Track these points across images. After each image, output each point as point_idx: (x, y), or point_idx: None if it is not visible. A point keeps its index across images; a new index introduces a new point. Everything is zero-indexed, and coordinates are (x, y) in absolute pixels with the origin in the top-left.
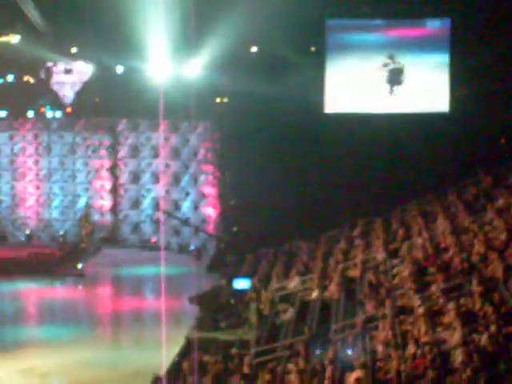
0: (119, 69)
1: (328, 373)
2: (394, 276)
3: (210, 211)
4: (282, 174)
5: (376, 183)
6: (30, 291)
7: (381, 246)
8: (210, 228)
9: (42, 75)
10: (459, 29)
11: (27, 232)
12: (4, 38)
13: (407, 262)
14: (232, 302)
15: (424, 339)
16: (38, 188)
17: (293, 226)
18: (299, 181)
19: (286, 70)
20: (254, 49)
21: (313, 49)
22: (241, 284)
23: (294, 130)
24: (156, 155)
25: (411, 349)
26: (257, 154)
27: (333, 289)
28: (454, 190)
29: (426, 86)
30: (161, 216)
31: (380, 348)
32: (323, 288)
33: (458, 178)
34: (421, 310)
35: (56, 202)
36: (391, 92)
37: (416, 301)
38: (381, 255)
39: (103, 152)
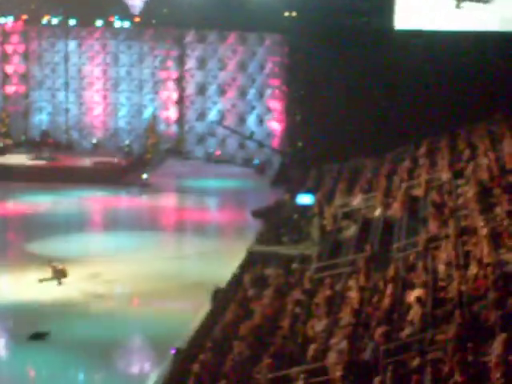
0: None
1: (389, 290)
2: (458, 196)
3: (276, 125)
4: (349, 90)
5: (443, 101)
6: (96, 200)
7: (446, 165)
8: (275, 142)
9: None
10: None
11: (93, 141)
12: None
13: (472, 183)
14: (295, 216)
15: (487, 260)
16: (104, 97)
17: (358, 143)
18: (366, 98)
19: None
20: None
21: None
22: (304, 199)
23: (362, 47)
24: (223, 67)
25: (473, 269)
26: (325, 70)
27: (396, 207)
28: None
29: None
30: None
31: (442, 268)
32: (386, 206)
33: None
34: (484, 231)
35: (122, 112)
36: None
37: (480, 221)
38: (445, 175)
39: (170, 63)
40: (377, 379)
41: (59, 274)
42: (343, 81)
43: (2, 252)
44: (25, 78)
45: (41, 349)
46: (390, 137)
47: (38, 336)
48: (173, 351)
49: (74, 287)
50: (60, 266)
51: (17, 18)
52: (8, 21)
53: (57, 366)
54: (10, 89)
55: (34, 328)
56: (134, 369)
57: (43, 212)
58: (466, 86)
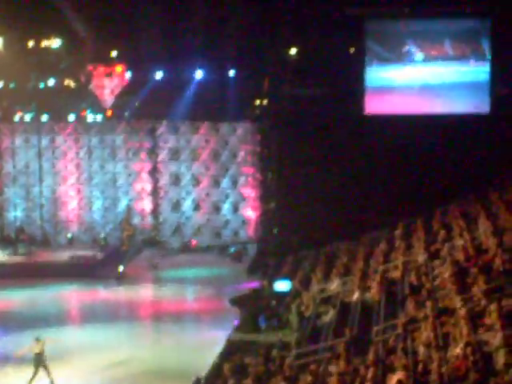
0: (158, 74)
1: (370, 374)
2: (435, 277)
3: (250, 213)
4: (322, 176)
5: (416, 185)
6: (72, 294)
7: (422, 247)
8: (250, 230)
9: (83, 79)
10: (500, 27)
11: (69, 235)
12: (45, 43)
13: (448, 264)
14: (273, 303)
15: (466, 340)
16: (79, 191)
17: (333, 228)
18: (339, 183)
19: (326, 73)
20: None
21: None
22: (281, 286)
23: (335, 132)
24: (196, 158)
25: (453, 350)
26: (298, 156)
27: (374, 290)
28: (495, 191)
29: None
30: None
31: (422, 349)
32: (364, 290)
33: (500, 179)
34: (462, 312)
35: (97, 205)
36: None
37: (457, 302)
38: (422, 257)
39: (143, 155)
40: None
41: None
42: (315, 166)
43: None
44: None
45: None
46: (364, 221)
47: None
48: None
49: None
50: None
51: None
52: None
53: None
54: None
55: None
56: None
57: (19, 308)
58: (439, 168)
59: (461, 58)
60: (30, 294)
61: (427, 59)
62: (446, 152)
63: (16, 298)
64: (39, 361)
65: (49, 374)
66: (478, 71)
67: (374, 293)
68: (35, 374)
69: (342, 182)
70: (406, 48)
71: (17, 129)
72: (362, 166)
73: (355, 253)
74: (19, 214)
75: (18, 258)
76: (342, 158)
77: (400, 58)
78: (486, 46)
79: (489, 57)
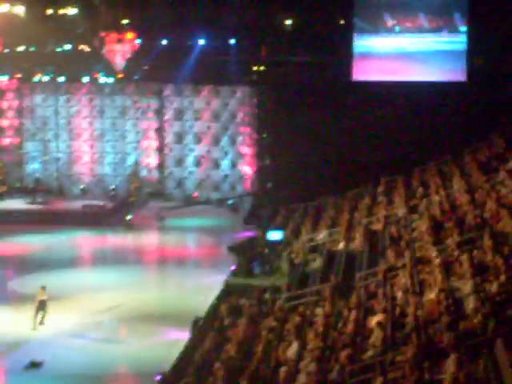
0: (165, 41)
1: (352, 316)
2: (413, 230)
3: (247, 169)
4: (313, 135)
5: (397, 145)
6: (85, 239)
7: (402, 202)
8: (247, 184)
9: (96, 44)
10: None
11: (82, 186)
12: (63, 11)
13: (425, 217)
14: (266, 251)
15: (440, 287)
16: (91, 147)
17: (321, 183)
18: (328, 142)
19: (318, 41)
20: (289, 22)
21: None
22: (274, 235)
23: (325, 96)
24: (198, 118)
25: (428, 296)
26: (291, 117)
27: (357, 241)
28: (469, 152)
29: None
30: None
31: (399, 294)
32: (349, 240)
33: (473, 142)
34: (437, 261)
35: (108, 160)
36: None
37: (433, 252)
38: (401, 211)
39: (151, 114)
40: None
41: (41, 304)
42: (307, 127)
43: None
44: (19, 130)
45: (37, 376)
46: (350, 177)
47: (34, 365)
48: (158, 378)
49: (66, 319)
50: (44, 297)
51: (11, 77)
52: (3, 79)
53: None
54: (6, 141)
55: (29, 358)
56: None
57: (37, 251)
58: (419, 130)
59: (435, 30)
60: (46, 239)
61: (403, 31)
62: (425, 116)
63: (33, 243)
64: (42, 306)
65: (43, 317)
66: (453, 42)
67: (357, 243)
68: (36, 316)
69: (329, 141)
70: (384, 20)
71: (36, 89)
72: (348, 127)
73: (341, 206)
74: (37, 166)
75: (35, 207)
76: (330, 120)
77: (378, 29)
78: (458, 19)
79: (462, 29)
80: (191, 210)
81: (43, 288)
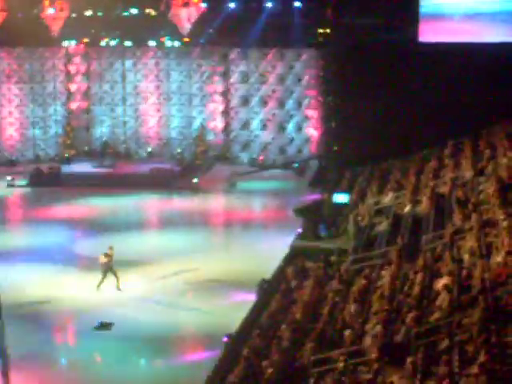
0: (231, 4)
1: (418, 279)
2: (480, 192)
3: (313, 132)
4: (379, 99)
5: (465, 108)
6: (152, 202)
7: (469, 164)
8: (313, 147)
9: (162, 8)
10: None
11: (149, 150)
12: None
13: (493, 180)
14: (332, 214)
15: (507, 250)
16: (158, 110)
17: (387, 146)
18: (394, 105)
19: (383, 3)
20: None
21: None
22: (340, 198)
23: (391, 58)
24: (264, 81)
25: (495, 258)
26: (357, 79)
27: (424, 204)
28: None
29: None
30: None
31: (467, 257)
32: (415, 203)
33: None
34: (504, 224)
35: (174, 123)
36: None
37: (500, 215)
38: (468, 173)
39: (216, 78)
40: (409, 360)
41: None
42: (372, 90)
43: (69, 252)
44: (87, 94)
45: (106, 337)
46: (416, 139)
47: (103, 326)
48: (225, 339)
49: (134, 282)
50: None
51: (79, 42)
52: (71, 44)
53: (120, 352)
54: (74, 105)
55: (99, 320)
56: (191, 354)
57: (105, 215)
58: (487, 92)
59: None
60: (114, 202)
61: None
62: (492, 77)
63: (101, 206)
64: (108, 267)
65: (117, 279)
66: None
67: (424, 206)
68: (103, 278)
69: (396, 104)
70: None
71: (103, 53)
72: (415, 89)
73: (407, 169)
74: (105, 130)
75: (103, 170)
76: (397, 82)
77: None
78: None
79: None
80: (258, 174)
81: (111, 248)
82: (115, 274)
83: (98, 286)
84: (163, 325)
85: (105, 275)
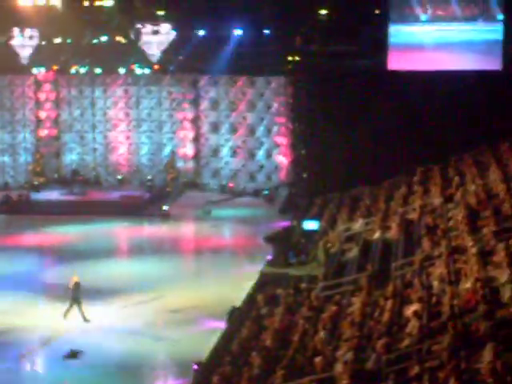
0: (201, 32)
1: (388, 305)
2: (449, 219)
3: (282, 159)
4: (347, 126)
5: (433, 135)
6: (121, 230)
7: (438, 191)
8: (282, 174)
9: (132, 36)
10: None
11: (119, 177)
12: (98, 3)
13: (462, 207)
14: (302, 241)
15: (476, 276)
16: (128, 137)
17: (357, 173)
18: (363, 133)
19: (352, 31)
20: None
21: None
22: (310, 225)
23: (358, 86)
24: (234, 108)
25: (464, 285)
26: (326, 107)
27: (393, 230)
28: (505, 142)
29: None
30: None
31: (436, 284)
32: (385, 229)
33: (510, 132)
34: (473, 250)
35: (144, 150)
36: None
37: (469, 241)
38: (438, 200)
39: (186, 105)
40: None
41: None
42: (341, 118)
43: (38, 280)
44: (56, 122)
45: (75, 366)
46: (386, 166)
47: (72, 355)
48: (195, 366)
49: (103, 310)
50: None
51: (48, 69)
52: (40, 71)
53: (90, 381)
54: (43, 132)
55: (68, 348)
56: (162, 383)
57: (74, 242)
58: (455, 120)
59: (469, 18)
60: (83, 229)
61: (435, 19)
62: (461, 105)
63: (71, 233)
64: (75, 295)
65: (80, 309)
66: (489, 31)
67: (393, 232)
68: (71, 306)
69: (365, 131)
70: (418, 8)
71: (73, 80)
72: (384, 116)
73: (377, 196)
74: (74, 157)
75: (73, 197)
76: (366, 110)
77: (412, 18)
78: (495, 7)
79: (499, 17)
80: (229, 201)
81: (74, 274)
82: (79, 305)
83: (65, 314)
84: (133, 353)
85: (72, 303)
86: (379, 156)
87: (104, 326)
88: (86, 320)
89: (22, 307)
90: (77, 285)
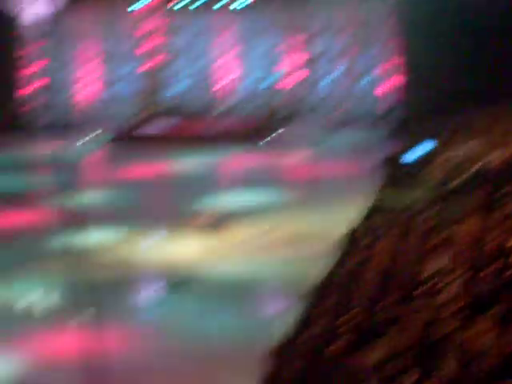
0: None
1: (497, 232)
2: None
3: (394, 81)
4: (463, 43)
5: None
6: (230, 158)
7: None
8: (394, 97)
9: None
10: None
11: (227, 106)
12: None
13: None
14: (414, 165)
15: None
16: (236, 66)
17: (474, 94)
18: (481, 51)
19: None
20: None
21: None
22: (422, 149)
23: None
24: (343, 31)
25: None
26: (435, 28)
27: (508, 154)
28: None
29: None
30: None
31: None
32: (499, 153)
33: None
34: None
35: (250, 79)
36: None
37: None
38: None
39: (294, 32)
40: (496, 308)
41: (214, 224)
42: (450, 38)
43: (160, 211)
44: (163, 52)
45: (187, 293)
46: (505, 86)
47: (180, 284)
48: (306, 291)
49: (219, 240)
50: (214, 216)
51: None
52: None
53: (202, 306)
54: (152, 63)
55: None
56: (274, 306)
57: (187, 172)
58: None
59: None
60: (194, 159)
61: None
62: None
63: (181, 164)
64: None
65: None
66: None
67: (508, 156)
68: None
69: (483, 50)
70: None
71: (179, 11)
72: (495, 35)
73: (495, 116)
74: (182, 87)
75: (182, 127)
76: (475, 29)
77: None
78: None
79: None
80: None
81: (205, 211)
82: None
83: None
84: (246, 278)
85: (200, 233)
86: (498, 76)
87: (218, 245)
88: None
89: (138, 239)
90: (208, 217)
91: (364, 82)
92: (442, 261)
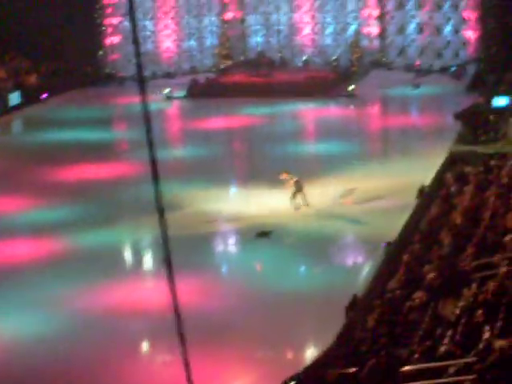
0: None
1: None
2: None
3: (470, 34)
4: None
5: None
6: (307, 111)
7: None
8: (470, 50)
9: None
10: None
11: (304, 58)
12: None
13: None
14: (491, 118)
15: None
16: (312, 17)
17: None
18: None
19: None
20: None
21: None
22: (500, 102)
23: None
24: None
25: None
26: None
27: None
28: None
29: None
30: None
31: None
32: None
33: None
34: None
35: (329, 30)
36: None
37: None
38: None
39: None
40: None
41: (296, 186)
42: None
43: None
44: (241, 4)
45: (266, 245)
46: None
47: (263, 234)
48: (384, 244)
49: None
50: (295, 178)
51: None
52: None
53: (280, 259)
54: (229, 15)
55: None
56: (351, 260)
57: (261, 124)
58: None
59: None
60: (270, 111)
61: None
62: None
63: (257, 115)
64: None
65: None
66: None
67: None
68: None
69: None
70: None
71: None
72: None
73: None
74: (259, 39)
75: (259, 79)
76: None
77: None
78: None
79: None
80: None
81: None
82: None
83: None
84: (322, 233)
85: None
86: None
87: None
88: (302, 206)
89: (216, 191)
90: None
91: (442, 33)
92: None
